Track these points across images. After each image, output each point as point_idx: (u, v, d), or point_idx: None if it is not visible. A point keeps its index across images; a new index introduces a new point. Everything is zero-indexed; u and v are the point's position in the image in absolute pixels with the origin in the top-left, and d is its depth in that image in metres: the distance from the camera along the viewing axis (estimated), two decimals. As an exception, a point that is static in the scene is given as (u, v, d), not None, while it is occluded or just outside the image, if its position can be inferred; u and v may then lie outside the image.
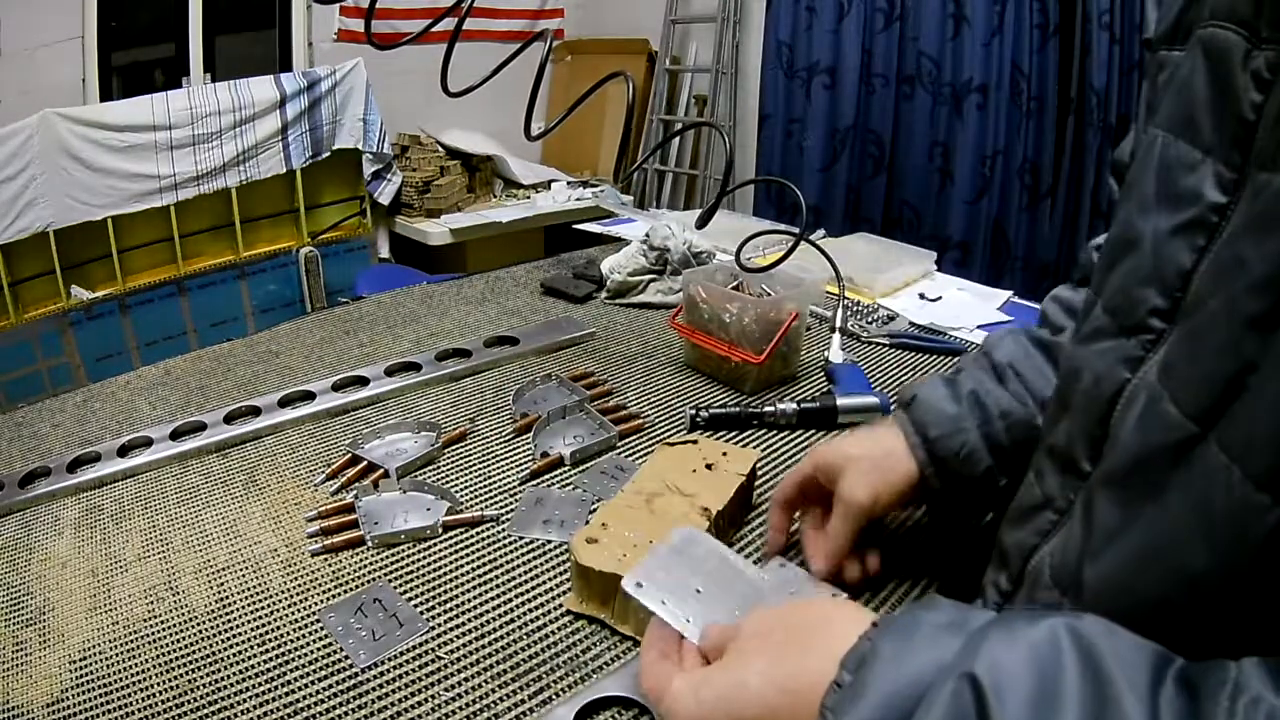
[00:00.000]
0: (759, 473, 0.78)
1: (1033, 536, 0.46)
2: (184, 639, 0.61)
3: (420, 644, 0.60)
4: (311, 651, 0.59)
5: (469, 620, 0.62)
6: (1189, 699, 0.27)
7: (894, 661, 0.32)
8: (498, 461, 0.84)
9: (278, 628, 0.61)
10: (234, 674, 0.57)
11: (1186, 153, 0.37)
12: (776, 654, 0.38)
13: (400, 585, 0.66)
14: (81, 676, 0.57)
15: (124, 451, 0.86)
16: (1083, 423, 0.42)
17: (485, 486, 0.79)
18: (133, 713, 0.54)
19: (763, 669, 0.38)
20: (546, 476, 0.81)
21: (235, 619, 0.62)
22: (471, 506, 0.76)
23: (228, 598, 0.65)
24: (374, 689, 0.55)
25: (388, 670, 0.57)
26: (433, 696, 0.55)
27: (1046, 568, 0.43)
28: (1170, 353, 0.36)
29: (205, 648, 0.60)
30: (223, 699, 0.55)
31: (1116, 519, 0.37)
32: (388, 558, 0.69)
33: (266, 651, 0.59)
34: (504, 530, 0.73)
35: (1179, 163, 0.37)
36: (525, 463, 0.83)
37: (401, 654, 0.59)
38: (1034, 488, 0.47)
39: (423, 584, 0.66)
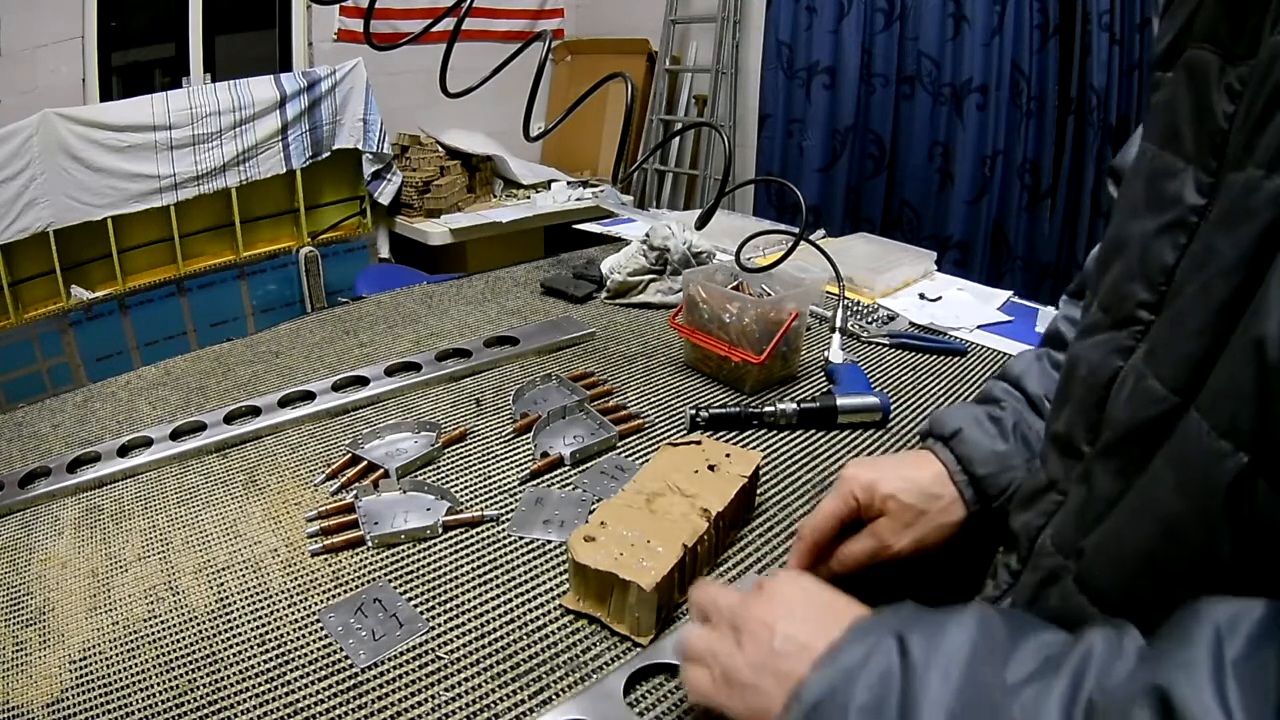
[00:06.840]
0: (760, 474, 0.78)
1: (1039, 518, 0.48)
2: (184, 639, 0.61)
3: (420, 644, 0.60)
4: (311, 651, 0.59)
5: (469, 620, 0.62)
6: None
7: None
8: (498, 461, 0.84)
9: (278, 628, 0.61)
10: (234, 674, 0.57)
11: (1171, 162, 0.40)
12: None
13: (400, 585, 0.66)
14: (81, 676, 0.57)
15: (124, 451, 0.86)
16: (1081, 409, 0.45)
17: (485, 486, 0.79)
18: (133, 713, 0.54)
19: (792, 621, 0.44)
20: (546, 476, 0.81)
21: (235, 619, 0.62)
22: (471, 506, 0.76)
23: (228, 598, 0.65)
24: (374, 689, 0.55)
25: (388, 670, 0.57)
26: (433, 696, 0.55)
27: (1049, 539, 0.46)
28: (1153, 338, 0.40)
29: (205, 648, 0.60)
30: (223, 699, 0.55)
31: (1113, 487, 0.41)
32: (388, 558, 0.69)
33: (266, 651, 0.59)
34: (504, 530, 0.73)
35: (1164, 171, 0.41)
36: (525, 463, 0.83)
37: (401, 654, 0.59)
38: (1039, 473, 0.50)
39: (423, 584, 0.66)
